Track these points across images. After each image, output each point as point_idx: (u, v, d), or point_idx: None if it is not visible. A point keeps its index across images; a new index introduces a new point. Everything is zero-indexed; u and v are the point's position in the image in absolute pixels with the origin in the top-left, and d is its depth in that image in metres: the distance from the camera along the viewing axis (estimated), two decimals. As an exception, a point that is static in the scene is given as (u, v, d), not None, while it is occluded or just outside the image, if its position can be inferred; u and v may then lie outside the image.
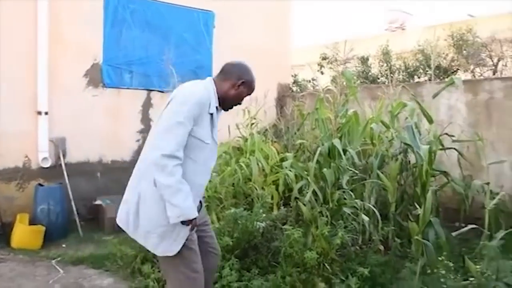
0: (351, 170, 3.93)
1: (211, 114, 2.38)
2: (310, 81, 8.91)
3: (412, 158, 4.08)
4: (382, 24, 16.54)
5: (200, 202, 2.52)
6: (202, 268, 2.42)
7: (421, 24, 13.05)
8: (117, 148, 5.98)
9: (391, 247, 3.81)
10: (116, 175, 5.78)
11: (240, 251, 3.57)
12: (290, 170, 4.33)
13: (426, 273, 3.26)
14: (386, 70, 8.48)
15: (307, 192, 3.80)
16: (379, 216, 3.75)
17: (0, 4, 5.04)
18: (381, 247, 3.76)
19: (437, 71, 7.59)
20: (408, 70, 8.29)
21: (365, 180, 4.05)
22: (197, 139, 2.31)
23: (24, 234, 4.70)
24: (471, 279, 3.03)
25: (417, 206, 3.52)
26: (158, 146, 2.20)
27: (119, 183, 5.61)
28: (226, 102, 2.49)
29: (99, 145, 5.82)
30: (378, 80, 8.51)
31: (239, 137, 5.88)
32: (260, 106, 5.74)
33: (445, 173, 4.11)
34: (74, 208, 5.22)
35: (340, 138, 4.01)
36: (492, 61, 8.05)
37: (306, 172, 4.01)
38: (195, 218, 2.28)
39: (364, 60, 8.94)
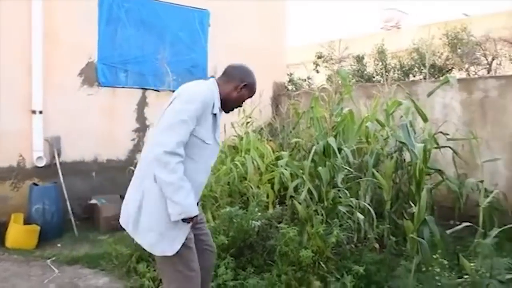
0: (346, 169, 3.93)
1: (214, 114, 2.39)
2: (305, 80, 8.91)
3: (407, 156, 4.09)
4: (377, 23, 16.60)
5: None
6: (199, 266, 2.42)
7: (416, 23, 13.10)
8: (112, 147, 5.96)
9: (386, 245, 3.82)
10: (112, 174, 5.79)
11: (236, 250, 3.57)
12: (285, 169, 4.34)
13: (421, 271, 3.27)
14: (381, 69, 8.48)
15: (302, 191, 3.80)
16: (374, 215, 3.75)
17: (-6, 3, 5.02)
18: (376, 245, 3.77)
19: (432, 70, 7.62)
20: (403, 69, 8.30)
21: (360, 178, 4.06)
22: (198, 139, 2.32)
23: (18, 234, 4.68)
24: (465, 276, 3.04)
25: (412, 204, 3.53)
26: (160, 143, 2.20)
27: (114, 182, 5.69)
28: (228, 104, 2.51)
29: (94, 144, 5.80)
30: (374, 79, 8.52)
31: (234, 135, 5.88)
32: (255, 105, 5.74)
33: (440, 171, 4.13)
34: (69, 208, 5.21)
35: (335, 136, 4.01)
36: (487, 59, 8.09)
37: (301, 171, 4.01)
38: (196, 216, 2.28)
39: (359, 59, 8.95)
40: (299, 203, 3.74)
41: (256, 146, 5.18)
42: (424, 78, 5.72)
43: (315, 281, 3.22)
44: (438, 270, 3.08)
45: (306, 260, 3.23)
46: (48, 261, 4.27)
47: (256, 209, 3.81)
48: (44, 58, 5.27)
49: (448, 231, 3.37)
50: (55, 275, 3.93)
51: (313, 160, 3.85)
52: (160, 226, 2.26)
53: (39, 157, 5.29)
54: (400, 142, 3.95)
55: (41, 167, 5.32)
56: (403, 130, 3.67)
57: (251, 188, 4.47)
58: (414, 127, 4.05)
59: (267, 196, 4.38)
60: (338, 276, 3.26)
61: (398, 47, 9.42)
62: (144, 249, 2.39)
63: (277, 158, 4.87)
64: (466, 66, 8.09)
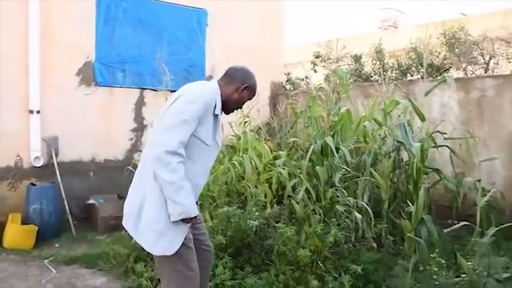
0: (344, 168, 3.94)
1: (216, 115, 2.38)
2: (303, 80, 8.91)
3: (404, 155, 4.10)
4: (375, 23, 16.63)
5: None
6: (198, 266, 2.42)
7: (414, 23, 13.13)
8: (110, 147, 5.95)
9: (384, 244, 3.83)
10: (109, 174, 5.78)
11: (234, 250, 3.57)
12: (283, 168, 4.34)
13: (418, 270, 3.28)
14: (379, 68, 8.49)
15: (300, 190, 3.80)
16: (372, 214, 3.76)
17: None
18: (374, 245, 3.77)
19: (430, 69, 7.63)
20: (401, 68, 8.31)
21: (358, 178, 4.06)
22: (199, 140, 2.31)
23: (16, 234, 4.67)
24: (463, 275, 3.05)
25: (410, 204, 3.54)
26: (162, 142, 2.19)
27: (112, 182, 5.68)
28: (228, 106, 2.51)
29: (92, 144, 5.79)
30: (371, 78, 8.53)
31: (232, 135, 5.88)
32: (253, 104, 5.73)
33: (437, 171, 4.13)
34: (67, 208, 5.20)
35: (333, 136, 4.02)
36: (484, 59, 8.10)
37: (299, 170, 4.01)
38: (195, 216, 2.29)
39: (357, 58, 8.96)
40: (297, 203, 3.74)
41: (254, 145, 5.17)
42: (422, 78, 5.74)
43: (313, 281, 3.22)
44: (435, 269, 3.09)
45: (304, 259, 3.23)
46: (46, 261, 4.26)
47: (254, 208, 3.81)
48: (41, 58, 5.26)
49: (445, 230, 3.38)
50: (52, 275, 3.92)
51: (310, 160, 3.85)
52: (160, 226, 2.26)
53: (37, 157, 5.27)
54: (398, 141, 3.95)
55: (39, 167, 5.31)
56: (400, 129, 3.67)
57: (249, 187, 4.47)
58: (412, 126, 4.06)
59: (265, 196, 4.38)
60: (336, 276, 3.26)
61: (395, 47, 9.43)
62: (142, 249, 2.39)
63: (275, 158, 4.87)
64: (464, 65, 8.09)
